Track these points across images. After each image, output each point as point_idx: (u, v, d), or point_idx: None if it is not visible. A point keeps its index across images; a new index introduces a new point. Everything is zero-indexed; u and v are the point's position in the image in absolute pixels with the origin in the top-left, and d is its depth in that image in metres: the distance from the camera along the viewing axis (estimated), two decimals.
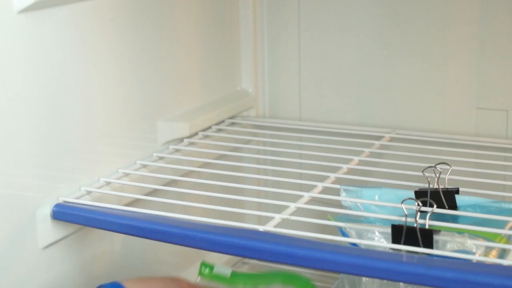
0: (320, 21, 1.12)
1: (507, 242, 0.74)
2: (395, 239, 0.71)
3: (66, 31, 0.82)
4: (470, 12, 1.03)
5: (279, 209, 0.79)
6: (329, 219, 0.78)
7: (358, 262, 0.66)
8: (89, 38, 0.86)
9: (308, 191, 0.83)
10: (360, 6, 1.10)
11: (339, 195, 0.83)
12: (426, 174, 0.80)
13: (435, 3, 1.05)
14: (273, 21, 1.15)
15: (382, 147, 1.01)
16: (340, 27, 1.11)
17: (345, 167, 0.90)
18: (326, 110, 1.15)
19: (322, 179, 0.87)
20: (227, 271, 0.87)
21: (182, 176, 0.92)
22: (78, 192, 0.85)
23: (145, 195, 0.88)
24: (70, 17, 0.83)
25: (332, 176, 0.87)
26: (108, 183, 0.88)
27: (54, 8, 0.80)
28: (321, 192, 0.83)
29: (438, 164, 0.81)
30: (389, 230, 0.72)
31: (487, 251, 0.71)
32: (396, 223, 0.72)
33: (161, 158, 0.96)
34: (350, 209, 0.81)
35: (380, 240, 0.74)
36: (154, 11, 0.96)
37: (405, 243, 0.70)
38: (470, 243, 0.70)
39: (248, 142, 1.08)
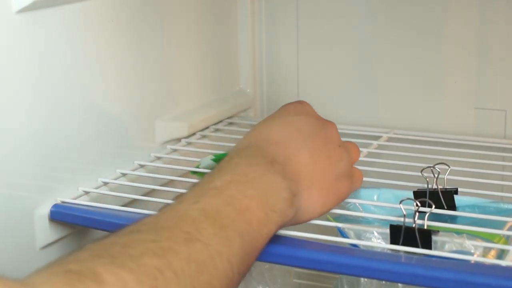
0: (319, 22, 1.12)
1: (506, 243, 0.73)
2: (394, 240, 0.71)
3: (64, 31, 0.82)
4: (469, 11, 1.03)
5: None
6: (328, 219, 0.78)
7: (356, 263, 0.66)
8: (87, 38, 0.86)
9: None
10: (359, 8, 1.09)
11: None
12: (425, 174, 0.80)
13: (434, 3, 1.05)
14: (271, 21, 1.15)
15: (380, 147, 1.01)
16: (338, 28, 1.11)
17: None
18: (324, 110, 1.14)
19: None
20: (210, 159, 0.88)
21: (180, 176, 0.92)
22: (76, 193, 0.84)
23: (143, 195, 0.87)
24: (69, 17, 0.82)
25: None
26: (105, 183, 0.88)
27: (53, 8, 0.80)
28: None
29: (437, 164, 0.81)
30: (387, 230, 0.72)
31: (486, 251, 0.71)
32: (395, 224, 0.72)
33: (158, 158, 0.96)
34: (348, 209, 0.81)
35: (379, 241, 0.74)
36: (153, 12, 0.96)
37: (404, 244, 0.70)
38: (468, 243, 0.70)
39: None
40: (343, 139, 1.02)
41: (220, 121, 1.09)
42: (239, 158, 0.67)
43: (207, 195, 0.62)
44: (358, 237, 0.75)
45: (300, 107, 0.77)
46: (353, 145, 0.78)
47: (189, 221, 0.58)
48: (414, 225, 0.70)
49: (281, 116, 0.74)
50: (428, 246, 0.69)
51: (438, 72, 1.07)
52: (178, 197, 0.63)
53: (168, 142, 0.99)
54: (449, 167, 0.81)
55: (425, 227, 0.70)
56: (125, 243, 0.55)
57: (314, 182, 0.69)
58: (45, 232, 0.81)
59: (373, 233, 0.74)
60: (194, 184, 0.65)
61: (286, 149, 0.69)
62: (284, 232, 0.72)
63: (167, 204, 0.62)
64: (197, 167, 0.90)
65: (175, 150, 0.99)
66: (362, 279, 0.81)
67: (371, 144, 1.00)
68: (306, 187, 0.68)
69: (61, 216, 0.81)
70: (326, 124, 0.75)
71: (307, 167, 0.69)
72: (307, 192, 0.68)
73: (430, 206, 0.72)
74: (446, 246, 0.70)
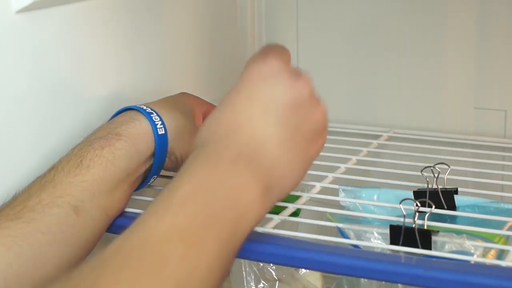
0: (318, 21, 1.12)
1: (506, 243, 0.73)
2: (394, 240, 0.71)
3: (64, 31, 0.82)
4: (469, 11, 1.03)
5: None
6: (328, 219, 0.78)
7: (356, 263, 0.66)
8: (87, 38, 0.86)
9: (306, 191, 0.83)
10: (358, 7, 1.10)
11: (337, 195, 0.83)
12: (425, 174, 0.80)
13: (434, 3, 1.05)
14: (271, 21, 1.15)
15: (380, 146, 1.01)
16: (338, 27, 1.11)
17: (343, 166, 0.90)
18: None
19: (320, 179, 0.86)
20: None
21: None
22: None
23: (142, 195, 0.87)
24: (69, 17, 0.82)
25: (330, 176, 0.87)
26: None
27: (52, 8, 0.80)
28: (319, 192, 0.83)
29: (437, 164, 0.81)
30: (387, 230, 0.72)
31: (486, 251, 0.71)
32: (395, 224, 0.72)
33: None
34: (349, 209, 0.81)
35: (378, 241, 0.74)
36: (153, 11, 0.96)
37: (404, 244, 0.70)
38: (468, 244, 0.70)
39: None
40: (343, 138, 1.02)
41: None
42: (198, 163, 0.61)
43: (169, 213, 0.57)
44: (358, 237, 0.75)
45: (264, 68, 0.70)
46: (319, 103, 0.73)
47: (156, 247, 0.54)
48: (414, 225, 0.70)
49: (243, 89, 0.67)
50: (428, 247, 0.69)
51: (438, 72, 1.07)
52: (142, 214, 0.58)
53: None
54: (449, 167, 0.81)
55: (425, 227, 0.70)
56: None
57: (286, 167, 0.64)
58: None
59: (373, 233, 0.74)
60: (157, 197, 0.59)
61: (253, 133, 0.63)
62: (283, 232, 0.72)
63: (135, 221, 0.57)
64: None
65: None
66: (362, 279, 0.81)
67: (371, 143, 1.00)
68: (278, 176, 0.63)
69: None
70: (296, 86, 0.70)
71: (278, 151, 0.64)
72: (280, 180, 0.63)
73: (430, 206, 0.72)
74: (446, 247, 0.70)
